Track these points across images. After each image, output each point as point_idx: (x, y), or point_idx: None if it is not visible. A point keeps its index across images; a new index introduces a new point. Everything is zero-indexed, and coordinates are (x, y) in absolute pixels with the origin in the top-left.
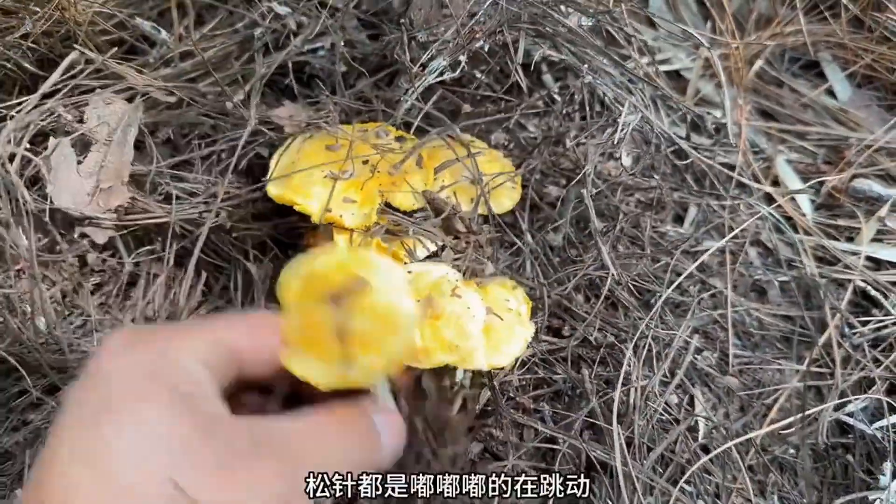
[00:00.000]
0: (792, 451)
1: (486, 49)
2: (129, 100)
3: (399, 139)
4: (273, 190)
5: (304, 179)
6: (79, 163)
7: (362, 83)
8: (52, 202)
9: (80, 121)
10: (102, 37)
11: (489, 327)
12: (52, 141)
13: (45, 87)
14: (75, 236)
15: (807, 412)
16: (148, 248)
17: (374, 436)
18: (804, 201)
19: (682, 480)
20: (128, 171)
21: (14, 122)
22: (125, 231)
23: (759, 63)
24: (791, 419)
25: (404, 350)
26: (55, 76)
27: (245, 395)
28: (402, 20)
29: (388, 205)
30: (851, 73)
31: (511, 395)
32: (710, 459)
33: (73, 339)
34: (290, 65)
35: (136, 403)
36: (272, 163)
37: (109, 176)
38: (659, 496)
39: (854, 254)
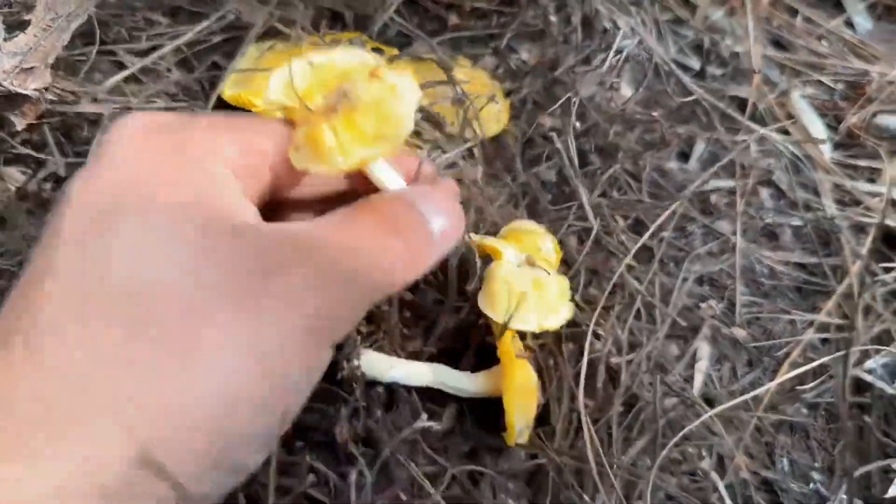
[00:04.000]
0: (804, 410)
1: None
2: None
3: (376, 51)
4: (228, 91)
5: (264, 81)
6: (5, 40)
7: None
8: None
9: (28, 7)
10: None
11: (539, 283)
12: None
13: None
14: None
15: (823, 368)
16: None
17: (422, 228)
18: (823, 137)
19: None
20: (55, 54)
21: None
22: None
23: None
24: (802, 370)
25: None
26: None
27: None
28: None
29: None
30: (872, 5)
31: None
32: (713, 418)
33: None
34: None
35: (147, 205)
36: (230, 67)
37: (35, 58)
38: (657, 455)
39: (876, 195)
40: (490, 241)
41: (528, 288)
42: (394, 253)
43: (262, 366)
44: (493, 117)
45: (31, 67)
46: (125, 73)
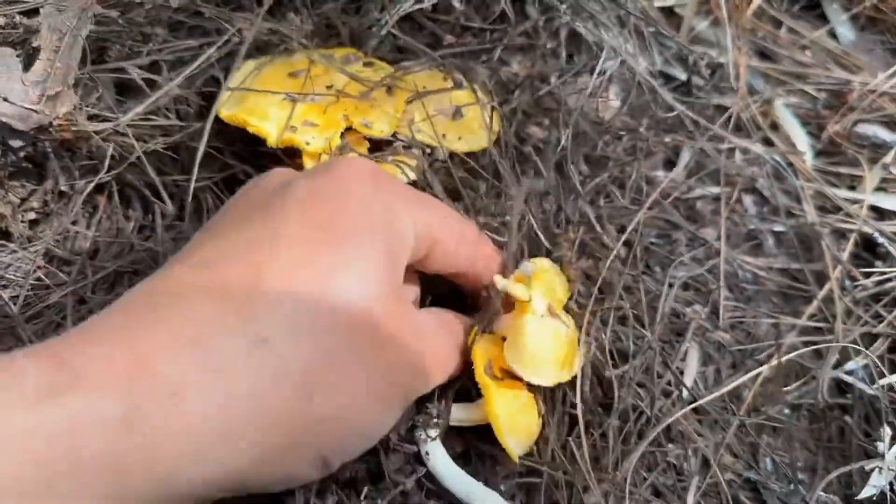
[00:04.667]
0: (787, 411)
1: None
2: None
3: (369, 66)
4: (225, 111)
5: (259, 100)
6: (25, 72)
7: (328, 6)
8: None
9: (27, 29)
10: None
11: (558, 336)
12: None
13: None
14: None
15: (805, 370)
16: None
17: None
18: (804, 146)
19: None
20: (74, 74)
21: None
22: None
23: (757, 0)
24: (784, 372)
25: None
26: None
27: None
28: None
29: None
30: (855, 16)
31: None
32: (699, 420)
33: None
34: None
35: (369, 238)
36: (226, 84)
37: (56, 82)
38: (644, 456)
39: (856, 202)
40: (519, 291)
41: (550, 343)
42: (441, 376)
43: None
44: (485, 129)
45: (56, 93)
46: (148, 101)
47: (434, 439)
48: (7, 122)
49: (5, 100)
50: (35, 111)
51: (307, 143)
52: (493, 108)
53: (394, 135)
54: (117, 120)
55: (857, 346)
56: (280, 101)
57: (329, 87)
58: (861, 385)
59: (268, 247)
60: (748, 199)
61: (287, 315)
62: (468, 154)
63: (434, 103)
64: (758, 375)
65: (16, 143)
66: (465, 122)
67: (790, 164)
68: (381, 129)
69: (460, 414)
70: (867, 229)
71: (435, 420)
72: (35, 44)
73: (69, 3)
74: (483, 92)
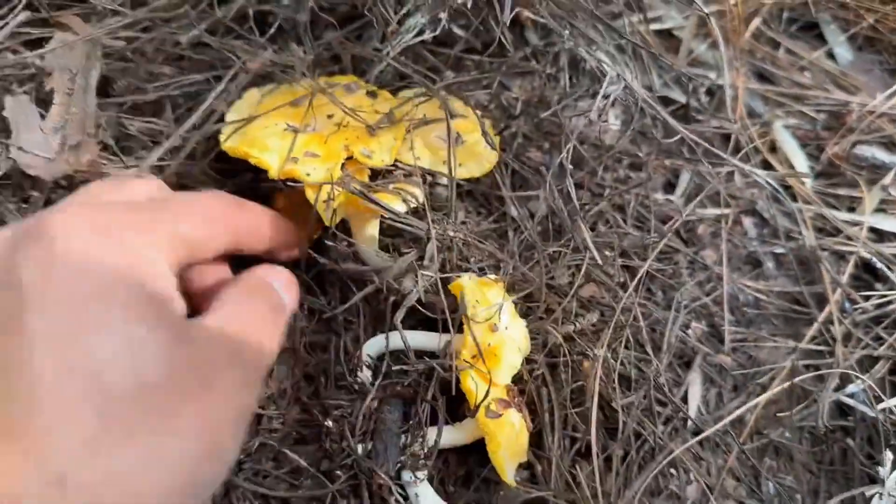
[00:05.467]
0: (788, 434)
1: (469, 4)
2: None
3: (370, 94)
4: (226, 142)
5: (260, 132)
6: (42, 118)
7: (330, 35)
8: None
9: (39, 70)
10: None
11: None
12: (7, 100)
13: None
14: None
15: (807, 392)
16: None
17: (283, 306)
18: (803, 168)
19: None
20: (92, 122)
21: None
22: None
23: (756, 22)
24: (785, 396)
25: None
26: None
27: None
28: None
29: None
30: (852, 36)
31: None
32: (701, 443)
33: None
34: (250, 13)
35: (108, 307)
36: (228, 115)
37: (75, 129)
38: (648, 481)
39: (856, 224)
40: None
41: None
42: (274, 337)
43: (210, 448)
44: (486, 155)
45: (78, 143)
46: (161, 149)
47: (423, 480)
48: (34, 174)
49: (27, 151)
50: (57, 160)
51: (308, 175)
52: (494, 134)
53: (395, 162)
54: (138, 165)
55: (855, 373)
56: (281, 131)
57: (330, 116)
58: (862, 408)
59: None
60: (748, 221)
61: None
62: (470, 179)
63: (435, 130)
64: (759, 397)
65: (35, 193)
66: (465, 147)
67: (787, 187)
68: (381, 159)
69: (447, 437)
70: (865, 254)
71: (422, 461)
72: (48, 87)
73: (78, 41)
74: (483, 117)
